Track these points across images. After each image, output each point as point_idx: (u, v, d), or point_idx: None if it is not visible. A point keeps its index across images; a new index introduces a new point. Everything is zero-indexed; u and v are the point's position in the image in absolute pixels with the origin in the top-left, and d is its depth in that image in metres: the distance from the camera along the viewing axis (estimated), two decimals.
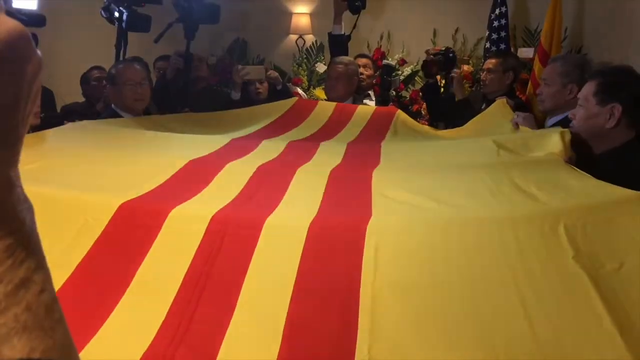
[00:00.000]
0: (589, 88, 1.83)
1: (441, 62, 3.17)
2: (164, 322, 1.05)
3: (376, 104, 3.25)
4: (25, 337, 0.27)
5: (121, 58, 3.04)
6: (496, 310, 1.00)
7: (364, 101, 3.27)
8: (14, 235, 0.29)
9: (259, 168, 1.63)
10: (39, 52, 0.31)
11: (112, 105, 2.59)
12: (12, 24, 0.30)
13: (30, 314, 0.28)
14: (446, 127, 3.15)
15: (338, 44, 3.37)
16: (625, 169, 1.72)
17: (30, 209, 0.31)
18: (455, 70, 3.20)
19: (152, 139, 1.99)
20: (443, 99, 3.27)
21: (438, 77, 3.36)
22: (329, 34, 3.47)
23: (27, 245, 0.29)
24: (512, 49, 4.03)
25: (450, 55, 3.21)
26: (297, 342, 1.00)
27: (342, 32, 3.39)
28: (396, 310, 1.03)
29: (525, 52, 3.90)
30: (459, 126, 2.65)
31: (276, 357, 0.96)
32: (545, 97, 2.39)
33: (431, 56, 3.21)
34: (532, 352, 0.94)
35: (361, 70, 3.33)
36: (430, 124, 3.26)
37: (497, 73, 3.17)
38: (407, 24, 4.59)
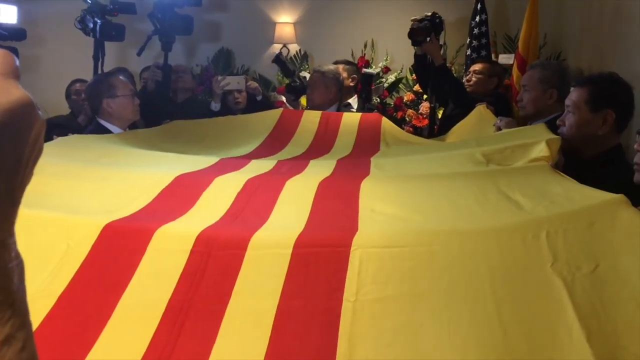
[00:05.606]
0: (579, 95, 1.85)
1: (428, 28, 3.01)
2: (143, 356, 1.02)
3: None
4: None
5: (99, 69, 3.02)
6: (472, 322, 1.01)
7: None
8: (2, 293, 0.29)
9: (248, 181, 1.61)
10: (40, 114, 0.32)
11: (98, 118, 2.53)
12: (18, 94, 0.31)
13: None
14: (437, 100, 3.19)
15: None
16: (613, 172, 1.75)
17: (19, 265, 0.32)
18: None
19: (140, 157, 1.96)
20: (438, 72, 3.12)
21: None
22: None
23: (12, 303, 0.30)
24: (492, 56, 4.09)
25: (437, 20, 3.05)
26: None
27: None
28: (374, 329, 1.03)
29: (506, 59, 3.97)
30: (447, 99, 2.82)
31: None
32: (527, 103, 2.44)
33: (417, 23, 3.02)
34: None
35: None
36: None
37: (483, 75, 3.24)
38: (390, 32, 4.63)
